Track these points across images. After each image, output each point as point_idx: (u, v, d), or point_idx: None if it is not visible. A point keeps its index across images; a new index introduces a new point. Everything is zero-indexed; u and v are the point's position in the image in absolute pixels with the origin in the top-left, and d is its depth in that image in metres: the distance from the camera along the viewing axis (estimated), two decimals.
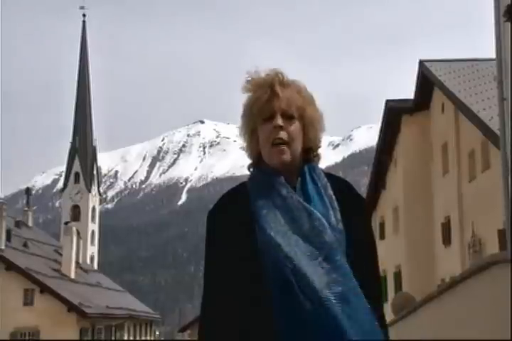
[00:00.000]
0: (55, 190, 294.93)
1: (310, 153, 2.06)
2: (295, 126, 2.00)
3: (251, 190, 2.01)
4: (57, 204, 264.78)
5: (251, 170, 2.08)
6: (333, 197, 2.01)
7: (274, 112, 2.00)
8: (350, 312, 1.85)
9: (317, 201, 1.98)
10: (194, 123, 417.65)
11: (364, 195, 28.17)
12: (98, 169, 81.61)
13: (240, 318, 1.90)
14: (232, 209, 2.00)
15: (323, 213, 1.96)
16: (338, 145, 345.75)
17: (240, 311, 1.90)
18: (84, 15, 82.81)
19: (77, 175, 77.24)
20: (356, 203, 2.07)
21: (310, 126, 2.03)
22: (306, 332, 1.84)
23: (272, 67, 2.05)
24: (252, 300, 1.89)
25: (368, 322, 1.88)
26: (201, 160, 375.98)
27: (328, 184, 2.04)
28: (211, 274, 2.00)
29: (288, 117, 2.00)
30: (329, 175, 2.09)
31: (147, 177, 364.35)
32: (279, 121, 1.98)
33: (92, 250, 75.81)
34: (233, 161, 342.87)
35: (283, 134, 1.98)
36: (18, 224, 44.70)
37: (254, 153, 2.06)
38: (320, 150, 2.10)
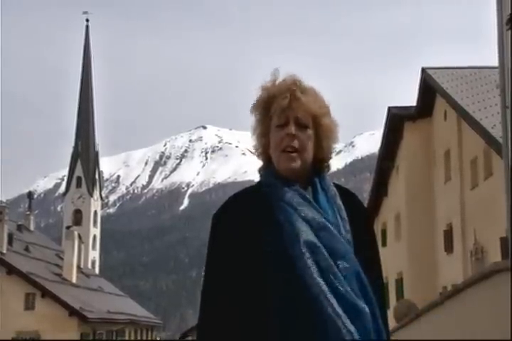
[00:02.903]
0: (56, 194, 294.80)
1: (321, 163, 2.05)
2: (308, 136, 1.99)
3: (268, 190, 1.99)
4: (58, 208, 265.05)
5: (261, 172, 2.07)
6: (342, 207, 2.01)
7: (289, 119, 1.98)
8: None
9: (328, 211, 1.99)
10: (196, 128, 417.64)
11: (366, 202, 28.20)
12: (100, 173, 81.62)
13: (242, 328, 1.89)
14: (245, 209, 1.98)
15: (334, 223, 1.97)
16: (340, 152, 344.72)
17: (242, 320, 1.89)
18: (87, 21, 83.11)
19: (79, 179, 77.26)
20: (362, 215, 2.09)
21: (324, 136, 2.02)
22: None
23: (290, 73, 2.03)
24: (256, 309, 1.88)
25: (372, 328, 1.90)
26: (203, 166, 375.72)
27: (337, 194, 2.04)
28: (215, 276, 1.98)
29: (302, 126, 1.99)
30: (336, 185, 2.09)
31: (149, 182, 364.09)
32: (292, 130, 1.97)
33: (94, 254, 75.74)
34: (235, 167, 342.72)
35: (295, 143, 1.97)
36: (19, 228, 44.67)
37: (264, 155, 2.05)
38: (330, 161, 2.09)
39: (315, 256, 1.88)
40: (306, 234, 1.91)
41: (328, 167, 2.08)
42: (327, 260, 1.89)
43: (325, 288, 1.86)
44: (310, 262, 1.87)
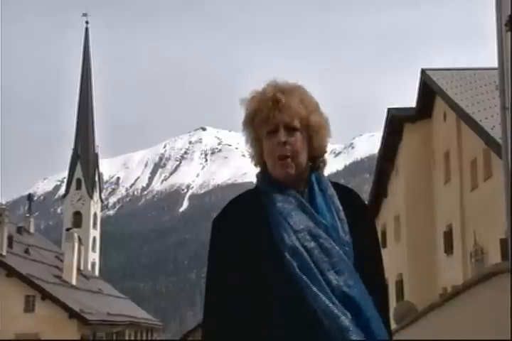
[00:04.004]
0: (56, 197, 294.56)
1: (316, 160, 2.05)
2: (299, 139, 1.99)
3: (266, 196, 2.00)
4: (58, 210, 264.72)
5: (259, 177, 2.07)
6: (340, 208, 2.00)
7: (277, 126, 1.98)
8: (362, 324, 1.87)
9: (325, 212, 1.98)
10: (196, 130, 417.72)
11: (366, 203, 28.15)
12: (100, 175, 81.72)
13: (244, 330, 1.90)
14: (243, 214, 1.99)
15: (332, 224, 1.96)
16: (339, 153, 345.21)
17: (245, 322, 1.91)
18: (87, 23, 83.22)
19: (78, 181, 77.33)
20: (363, 213, 2.08)
21: (315, 134, 2.02)
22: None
23: (272, 78, 2.04)
24: (254, 311, 1.90)
25: (377, 330, 1.90)
26: (203, 168, 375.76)
27: (335, 194, 2.04)
28: (217, 279, 1.99)
29: (291, 129, 1.98)
30: (335, 184, 2.09)
31: (149, 184, 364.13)
32: (282, 137, 1.97)
33: (94, 256, 75.79)
34: (235, 168, 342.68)
35: (286, 150, 1.97)
36: (19, 230, 44.69)
37: (259, 161, 2.06)
38: (326, 155, 2.09)
39: (300, 265, 1.88)
40: (294, 245, 1.90)
41: (324, 162, 2.07)
42: (313, 270, 1.88)
43: (310, 283, 1.86)
44: (294, 266, 1.88)
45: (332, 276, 1.88)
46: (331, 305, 1.84)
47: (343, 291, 1.87)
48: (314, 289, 1.86)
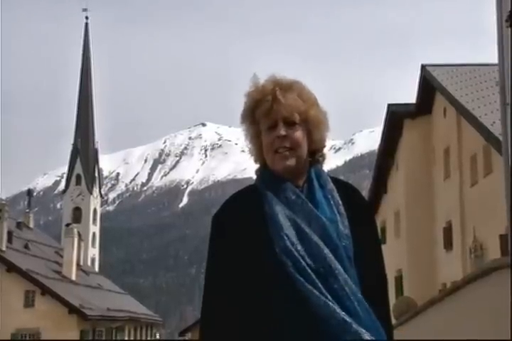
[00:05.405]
0: (56, 192, 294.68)
1: (315, 154, 2.05)
2: (299, 133, 1.99)
3: (263, 193, 2.00)
4: (58, 205, 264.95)
5: (258, 174, 2.07)
6: (340, 202, 2.01)
7: (277, 120, 1.99)
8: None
9: (325, 207, 1.98)
10: (196, 125, 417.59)
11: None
12: (99, 171, 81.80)
13: (244, 329, 1.90)
14: (242, 210, 1.99)
15: (332, 219, 1.96)
16: (339, 149, 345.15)
17: (245, 321, 1.90)
18: (87, 18, 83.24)
19: (78, 176, 77.41)
20: (363, 209, 2.08)
21: (314, 128, 2.02)
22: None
23: (270, 73, 2.04)
24: (260, 309, 1.90)
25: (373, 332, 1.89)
26: (203, 163, 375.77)
27: (335, 189, 2.04)
28: (215, 276, 1.99)
29: (291, 123, 1.99)
30: (335, 179, 2.09)
31: (148, 180, 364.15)
32: (282, 131, 1.98)
33: (93, 252, 75.93)
34: (235, 164, 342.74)
35: (286, 143, 1.98)
36: (19, 225, 44.74)
37: (259, 157, 2.06)
38: (325, 150, 2.10)
39: (294, 265, 1.88)
40: (286, 245, 1.90)
41: (323, 156, 2.08)
42: (308, 272, 1.88)
43: (305, 282, 1.86)
44: (289, 265, 1.88)
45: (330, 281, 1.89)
46: (326, 300, 1.85)
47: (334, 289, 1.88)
48: (309, 287, 1.86)
